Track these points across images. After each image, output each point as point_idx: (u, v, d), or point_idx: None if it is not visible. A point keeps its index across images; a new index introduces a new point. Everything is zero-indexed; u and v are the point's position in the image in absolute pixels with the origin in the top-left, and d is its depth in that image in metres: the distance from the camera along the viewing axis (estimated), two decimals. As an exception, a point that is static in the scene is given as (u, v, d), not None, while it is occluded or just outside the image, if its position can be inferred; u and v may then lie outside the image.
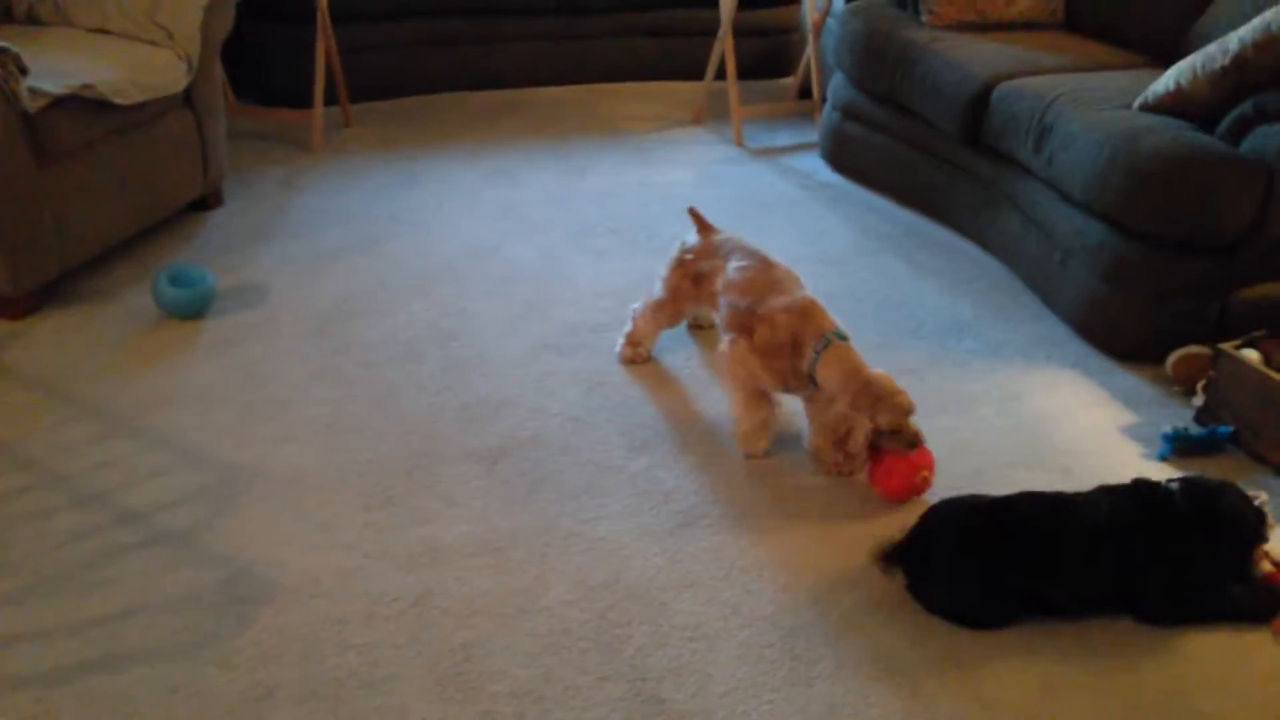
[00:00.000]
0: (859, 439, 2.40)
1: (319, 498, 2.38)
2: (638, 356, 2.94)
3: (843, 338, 2.44)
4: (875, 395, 2.35)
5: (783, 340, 2.47)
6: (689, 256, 2.81)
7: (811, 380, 2.45)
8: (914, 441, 2.38)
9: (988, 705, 1.93)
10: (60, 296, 3.12)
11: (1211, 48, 3.00)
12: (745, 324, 2.56)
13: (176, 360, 2.86)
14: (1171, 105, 3.09)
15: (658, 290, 2.87)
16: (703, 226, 2.88)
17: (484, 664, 1.97)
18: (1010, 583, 2.09)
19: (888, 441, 2.39)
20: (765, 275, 2.62)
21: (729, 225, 3.73)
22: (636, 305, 2.94)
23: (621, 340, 2.95)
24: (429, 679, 1.94)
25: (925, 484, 2.44)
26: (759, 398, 2.58)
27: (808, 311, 2.49)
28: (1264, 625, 2.13)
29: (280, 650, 1.99)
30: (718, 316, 2.71)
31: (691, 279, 2.79)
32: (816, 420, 2.55)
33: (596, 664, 1.98)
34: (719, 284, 2.69)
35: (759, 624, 2.09)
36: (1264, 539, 2.16)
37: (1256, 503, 2.17)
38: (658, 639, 2.04)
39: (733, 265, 2.68)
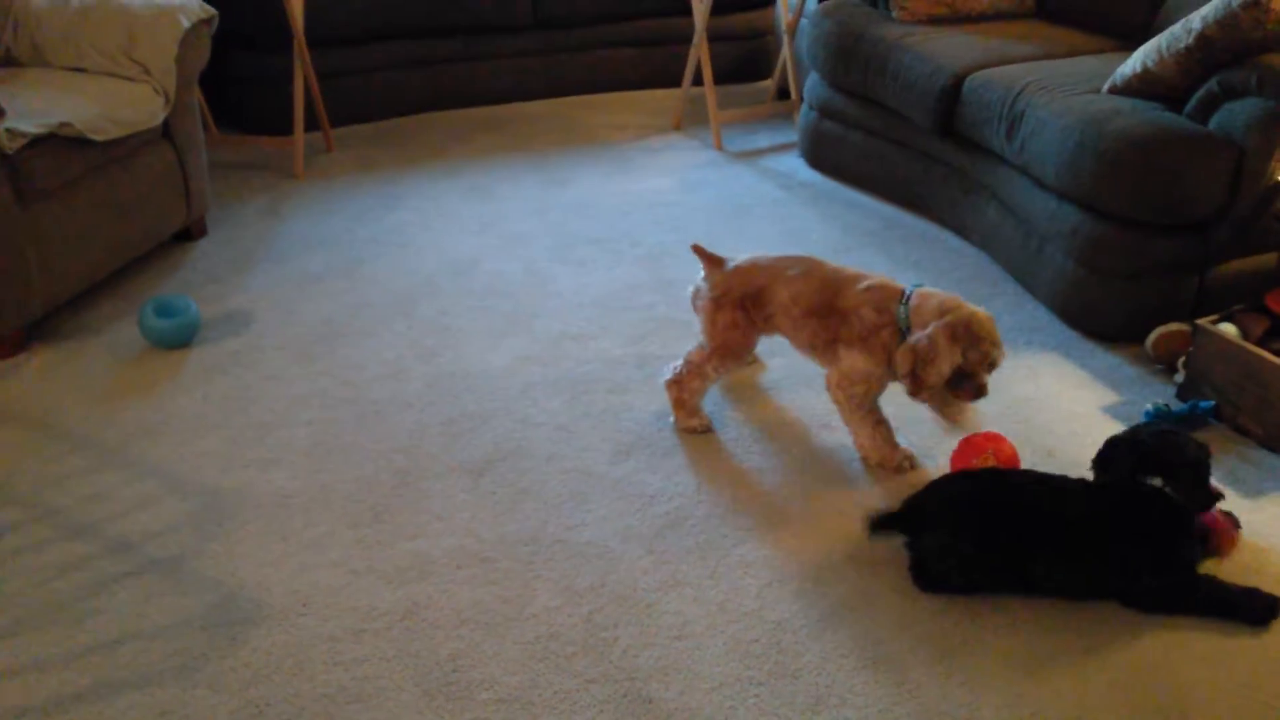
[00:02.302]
0: (941, 369, 2.31)
1: (306, 518, 2.40)
2: (704, 424, 2.70)
3: (919, 285, 2.43)
4: (974, 333, 2.31)
5: (873, 323, 2.43)
6: (718, 292, 2.62)
7: (905, 335, 2.39)
8: (978, 389, 2.37)
9: (973, 689, 1.94)
10: (47, 333, 3.15)
11: (1176, 28, 3.02)
12: (831, 331, 2.50)
13: (163, 390, 2.89)
14: (1140, 87, 3.11)
15: (710, 341, 2.64)
16: (712, 260, 2.68)
17: (472, 673, 1.99)
18: (997, 553, 2.12)
19: (956, 384, 2.35)
20: (820, 273, 2.54)
21: (712, 229, 3.79)
22: (670, 372, 2.70)
23: (674, 418, 2.71)
24: (418, 691, 1.95)
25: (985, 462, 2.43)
26: (875, 413, 2.54)
27: (880, 288, 2.46)
28: (1258, 628, 2.08)
29: (270, 670, 2.00)
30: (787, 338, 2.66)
31: (743, 308, 2.60)
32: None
33: (584, 667, 2.00)
34: (775, 305, 2.57)
35: (745, 620, 2.10)
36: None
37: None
38: (644, 639, 2.06)
39: (788, 275, 2.56)
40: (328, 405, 2.82)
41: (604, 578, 2.22)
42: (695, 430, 2.69)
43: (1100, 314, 3.04)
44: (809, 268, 2.57)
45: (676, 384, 2.68)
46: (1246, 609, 2.08)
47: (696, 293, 2.72)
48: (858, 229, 3.81)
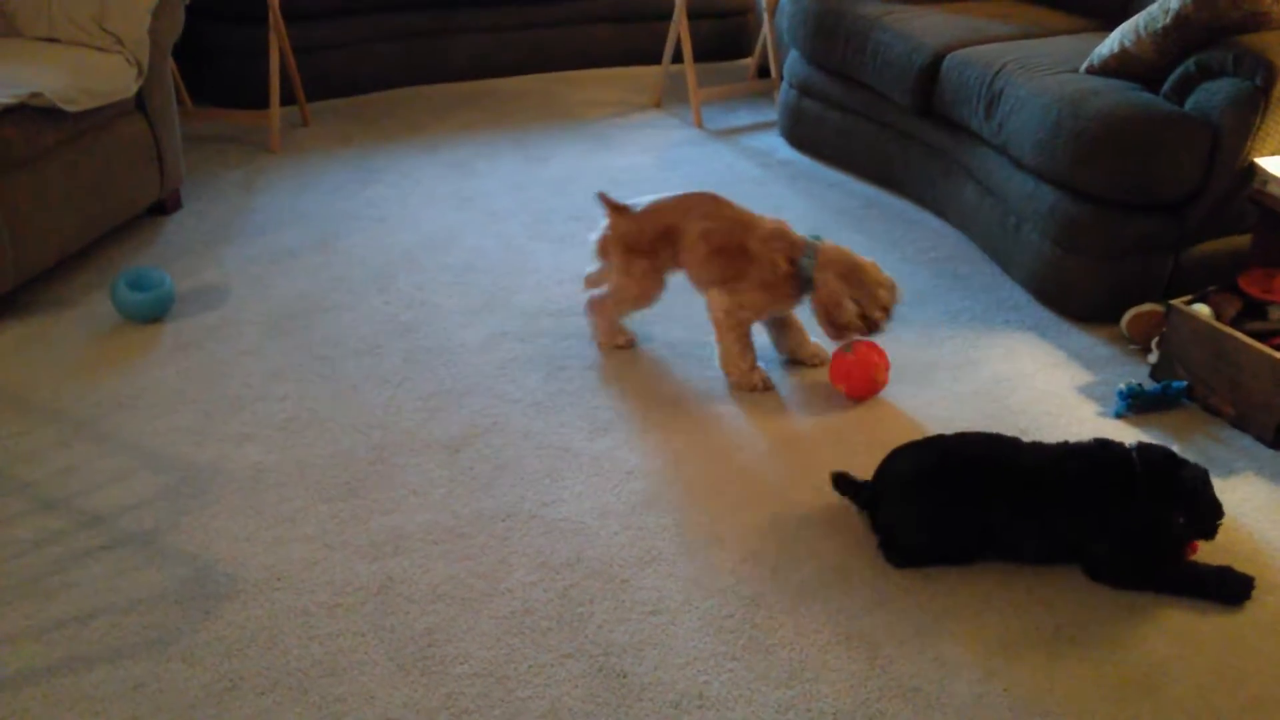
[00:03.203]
0: (848, 307, 2.64)
1: (281, 493, 2.39)
2: (629, 338, 2.98)
3: (818, 238, 2.71)
4: (859, 276, 2.64)
5: (784, 272, 2.67)
6: (630, 239, 2.80)
7: (808, 285, 2.68)
8: (872, 325, 2.68)
9: (945, 664, 1.95)
10: (20, 306, 3.12)
11: (1153, 8, 3.03)
12: (738, 268, 2.72)
13: (137, 364, 2.87)
14: (1117, 67, 3.12)
15: (625, 290, 2.85)
16: (616, 208, 2.82)
17: (447, 647, 1.99)
18: (958, 518, 2.15)
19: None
20: (726, 213, 2.76)
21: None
22: (589, 297, 2.96)
23: (597, 337, 2.98)
24: (392, 665, 1.95)
25: (882, 383, 2.73)
26: (748, 339, 2.76)
27: (787, 241, 2.70)
28: (1231, 606, 2.09)
29: (244, 643, 2.00)
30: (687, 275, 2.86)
31: (654, 251, 2.80)
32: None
33: (559, 642, 2.00)
34: (684, 241, 2.76)
35: (719, 595, 2.11)
36: (1212, 534, 2.14)
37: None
38: (619, 615, 2.06)
39: (698, 213, 2.77)
40: (303, 380, 2.81)
41: (580, 553, 2.22)
42: (620, 346, 2.96)
43: (1076, 294, 3.06)
44: (711, 205, 2.78)
45: (595, 311, 2.94)
46: (1219, 588, 2.10)
47: (603, 241, 2.86)
48: (836, 208, 3.81)
